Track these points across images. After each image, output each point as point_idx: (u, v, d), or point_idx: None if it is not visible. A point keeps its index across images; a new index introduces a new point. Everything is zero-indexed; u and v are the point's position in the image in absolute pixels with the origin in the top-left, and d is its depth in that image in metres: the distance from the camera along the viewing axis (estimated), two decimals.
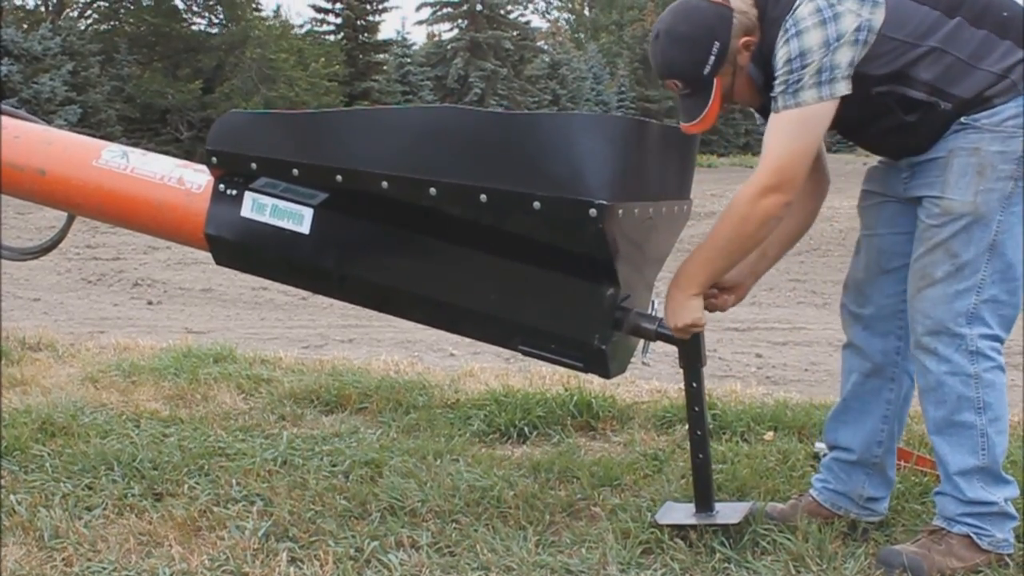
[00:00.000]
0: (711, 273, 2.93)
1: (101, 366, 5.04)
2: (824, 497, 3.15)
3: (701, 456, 3.04)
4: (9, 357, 5.21)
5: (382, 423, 4.16)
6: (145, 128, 32.63)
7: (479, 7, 44.39)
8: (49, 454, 3.63)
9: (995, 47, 2.80)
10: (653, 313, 3.08)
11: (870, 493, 3.12)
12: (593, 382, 4.47)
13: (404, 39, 41.44)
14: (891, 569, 2.80)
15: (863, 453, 3.13)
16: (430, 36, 48.22)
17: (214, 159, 3.08)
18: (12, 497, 3.19)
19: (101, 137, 3.46)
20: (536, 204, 2.70)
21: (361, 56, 39.08)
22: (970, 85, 2.78)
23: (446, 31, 46.58)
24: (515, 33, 45.31)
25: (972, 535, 2.86)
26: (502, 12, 45.85)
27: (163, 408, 4.33)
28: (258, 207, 3.06)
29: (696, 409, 3.02)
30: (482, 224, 2.82)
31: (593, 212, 2.65)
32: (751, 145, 62.83)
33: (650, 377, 4.87)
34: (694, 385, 3.01)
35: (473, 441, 3.95)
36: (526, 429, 4.05)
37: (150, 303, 8.57)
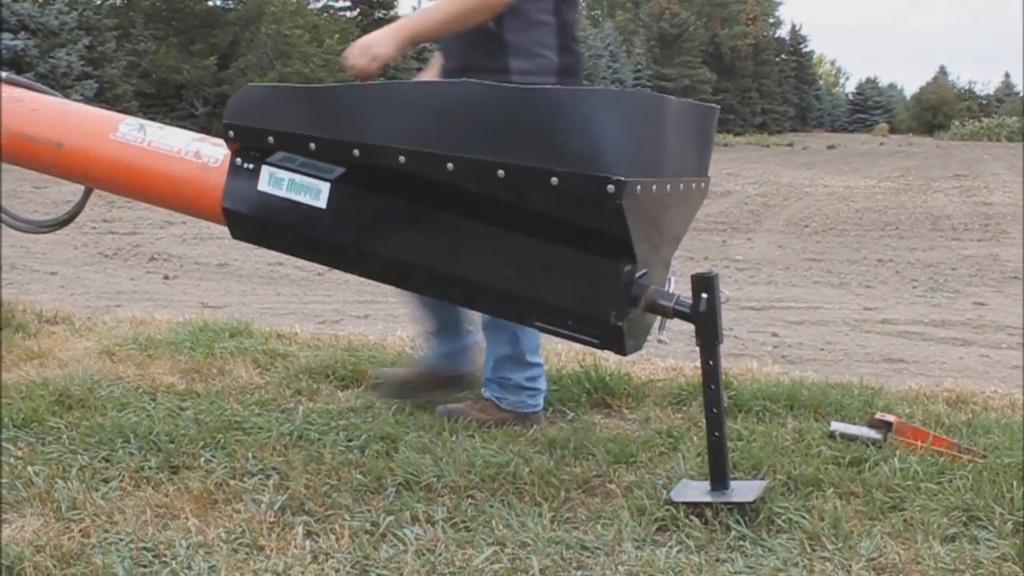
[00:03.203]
0: (420, 35, 3.49)
1: (117, 340, 5.05)
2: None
3: (717, 434, 3.03)
4: (26, 330, 5.23)
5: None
6: (161, 103, 32.70)
7: None
8: (66, 426, 3.64)
9: None
10: (670, 290, 3.07)
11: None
12: (608, 359, 4.47)
13: None
14: (450, 415, 3.85)
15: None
16: None
17: (231, 133, 3.07)
18: (30, 468, 3.20)
19: (117, 112, 3.46)
20: (554, 180, 2.69)
21: None
22: None
23: None
24: None
25: (495, 399, 3.88)
26: None
27: (179, 382, 4.34)
28: (275, 181, 3.06)
29: (712, 387, 3.02)
30: (499, 199, 2.81)
31: (611, 188, 2.65)
32: (767, 124, 62.80)
33: (665, 355, 4.86)
34: (710, 363, 3.01)
35: None
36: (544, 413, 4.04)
37: (166, 277, 8.59)
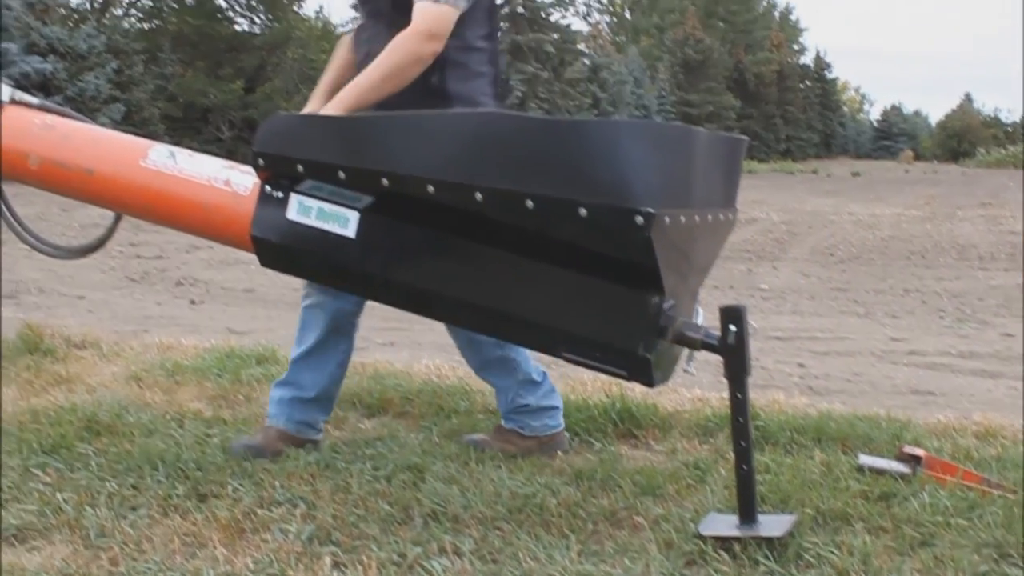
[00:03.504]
0: (360, 103, 3.45)
1: (145, 365, 5.08)
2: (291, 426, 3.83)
3: (745, 467, 3.02)
4: (55, 355, 5.26)
5: (424, 428, 4.17)
6: (187, 127, 32.91)
7: (520, 10, 44.41)
8: (95, 453, 3.66)
9: None
10: (698, 322, 3.07)
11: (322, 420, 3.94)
12: (635, 389, 4.45)
13: None
14: (475, 445, 3.86)
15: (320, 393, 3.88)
16: None
17: (260, 161, 3.08)
18: (59, 495, 3.22)
19: (144, 135, 3.49)
20: (582, 211, 2.68)
21: None
22: None
23: None
24: (556, 36, 45.31)
25: (518, 428, 3.91)
26: (543, 15, 45.85)
27: (206, 408, 4.35)
28: (304, 209, 3.07)
29: (740, 420, 3.00)
30: (528, 230, 2.81)
31: (639, 220, 2.64)
32: (792, 151, 62.70)
33: (692, 385, 4.84)
34: (739, 396, 2.99)
35: None
36: (568, 436, 4.03)
37: (192, 302, 8.63)
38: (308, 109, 3.80)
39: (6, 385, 4.64)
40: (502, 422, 3.96)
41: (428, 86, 3.54)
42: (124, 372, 4.97)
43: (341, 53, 3.93)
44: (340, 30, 36.97)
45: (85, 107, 26.19)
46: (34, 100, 3.65)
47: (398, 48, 3.44)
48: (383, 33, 3.56)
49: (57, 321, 6.62)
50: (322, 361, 3.87)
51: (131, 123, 28.53)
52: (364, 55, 3.66)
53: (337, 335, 3.87)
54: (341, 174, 2.96)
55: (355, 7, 3.90)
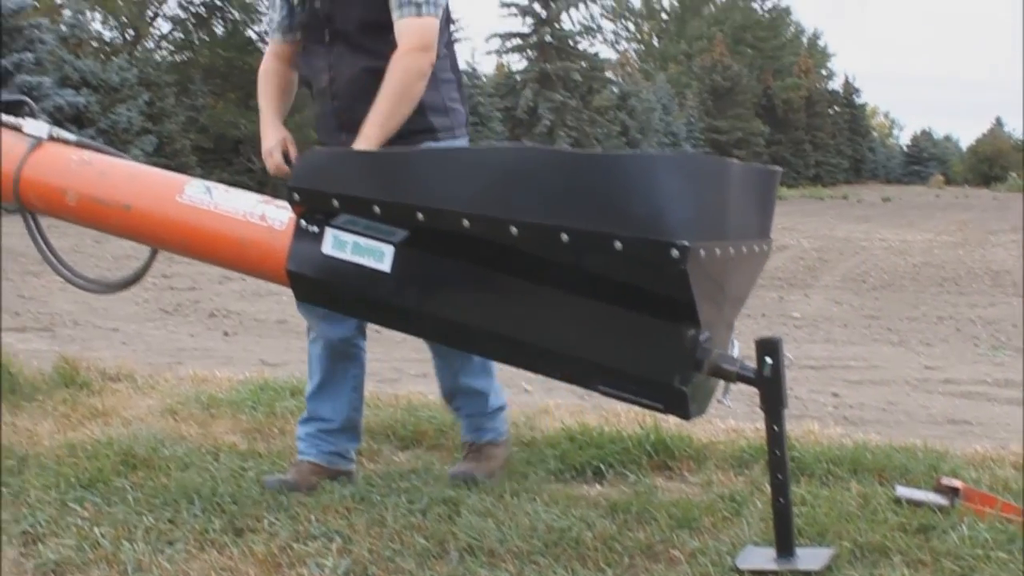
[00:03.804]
0: (386, 133, 3.49)
1: (179, 398, 5.10)
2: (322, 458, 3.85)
3: (782, 500, 3.00)
4: (90, 388, 5.30)
5: (458, 460, 4.16)
6: (218, 158, 33.06)
7: (548, 38, 44.56)
8: (131, 486, 3.67)
9: None
10: (733, 354, 3.06)
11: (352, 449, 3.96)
12: (669, 420, 4.42)
13: (474, 70, 41.69)
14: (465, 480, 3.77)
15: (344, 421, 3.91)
16: (499, 67, 48.52)
17: (296, 196, 3.10)
18: (96, 529, 3.23)
19: (176, 166, 3.53)
20: (617, 244, 2.69)
21: None
22: None
23: (515, 62, 46.91)
24: (584, 64, 45.42)
25: (493, 440, 3.98)
26: (571, 43, 45.98)
27: (241, 441, 4.37)
28: (339, 244, 3.09)
29: (777, 452, 2.99)
30: (562, 263, 2.81)
31: (675, 253, 2.64)
32: (821, 176, 62.49)
33: (726, 416, 4.81)
34: (775, 428, 2.98)
35: (549, 480, 3.94)
36: (602, 468, 4.03)
37: (226, 334, 8.67)
38: (270, 143, 3.84)
39: (43, 419, 4.68)
40: (477, 436, 4.01)
41: None
42: (159, 405, 5.00)
43: (275, 81, 3.95)
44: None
45: (117, 139, 26.38)
46: (71, 137, 3.70)
47: (400, 69, 3.52)
48: (347, 55, 3.66)
49: (92, 354, 6.67)
50: (336, 390, 3.93)
51: (163, 155, 28.72)
52: (328, 80, 3.73)
53: (344, 361, 3.93)
54: (376, 208, 2.98)
55: (284, 32, 3.89)
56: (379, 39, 3.60)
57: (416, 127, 3.62)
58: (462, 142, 3.82)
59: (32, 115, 3.76)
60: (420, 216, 2.91)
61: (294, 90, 4.01)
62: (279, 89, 3.95)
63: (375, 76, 3.57)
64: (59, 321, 8.80)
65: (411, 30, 3.55)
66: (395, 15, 3.57)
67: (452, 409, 4.12)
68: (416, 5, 3.55)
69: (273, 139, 3.82)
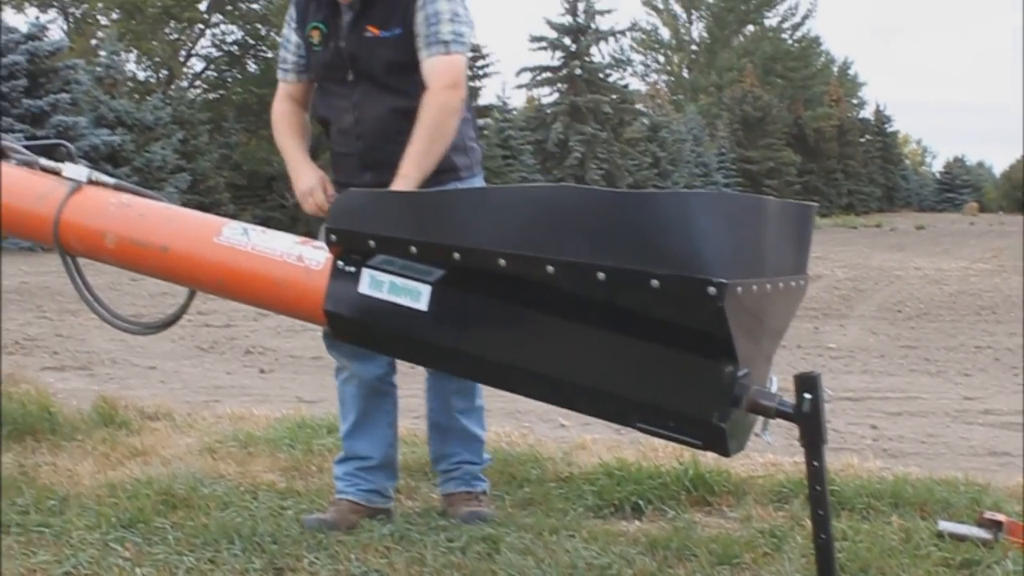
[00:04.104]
0: (424, 173, 3.56)
1: (218, 436, 5.13)
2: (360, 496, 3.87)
3: (823, 536, 2.97)
4: (129, 427, 5.34)
5: (496, 496, 4.16)
6: (251, 195, 33.31)
7: (578, 71, 44.73)
8: (171, 526, 3.70)
9: None
10: (772, 389, 3.04)
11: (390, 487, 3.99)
12: (707, 455, 4.41)
13: (504, 104, 41.86)
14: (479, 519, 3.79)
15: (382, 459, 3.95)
16: (530, 100, 48.70)
17: (333, 237, 3.12)
18: (138, 570, 3.25)
19: (209, 203, 3.58)
20: (654, 282, 2.68)
21: None
22: None
23: (546, 95, 47.07)
24: (614, 96, 45.59)
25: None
26: (601, 76, 46.13)
27: (279, 480, 4.39)
28: (376, 284, 3.09)
29: (818, 488, 2.97)
30: (599, 301, 2.81)
31: (712, 290, 2.63)
32: (854, 205, 62.28)
33: (764, 450, 4.79)
34: (815, 464, 2.95)
35: (587, 516, 3.94)
36: (641, 503, 4.02)
37: (262, 371, 8.71)
38: (309, 183, 3.85)
39: (84, 458, 4.71)
40: (475, 486, 4.03)
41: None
42: (198, 443, 5.03)
43: (294, 122, 4.00)
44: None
45: (152, 177, 26.65)
46: (110, 180, 3.73)
47: (434, 106, 3.59)
48: (373, 95, 3.71)
49: (130, 392, 6.72)
50: (372, 428, 3.95)
51: (196, 192, 28.98)
52: (353, 120, 3.77)
53: (378, 399, 3.97)
54: (413, 248, 2.99)
55: (299, 72, 3.95)
56: (406, 79, 3.66)
57: (441, 167, 3.67)
58: (479, 180, 3.92)
59: (70, 158, 3.81)
60: (456, 256, 2.92)
61: (310, 130, 4.05)
62: (300, 129, 4.00)
63: (402, 116, 3.62)
64: (97, 360, 8.86)
65: (442, 68, 3.60)
66: (423, 54, 3.63)
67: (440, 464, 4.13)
68: (444, 43, 3.61)
69: (312, 179, 3.84)
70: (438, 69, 3.61)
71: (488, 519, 3.81)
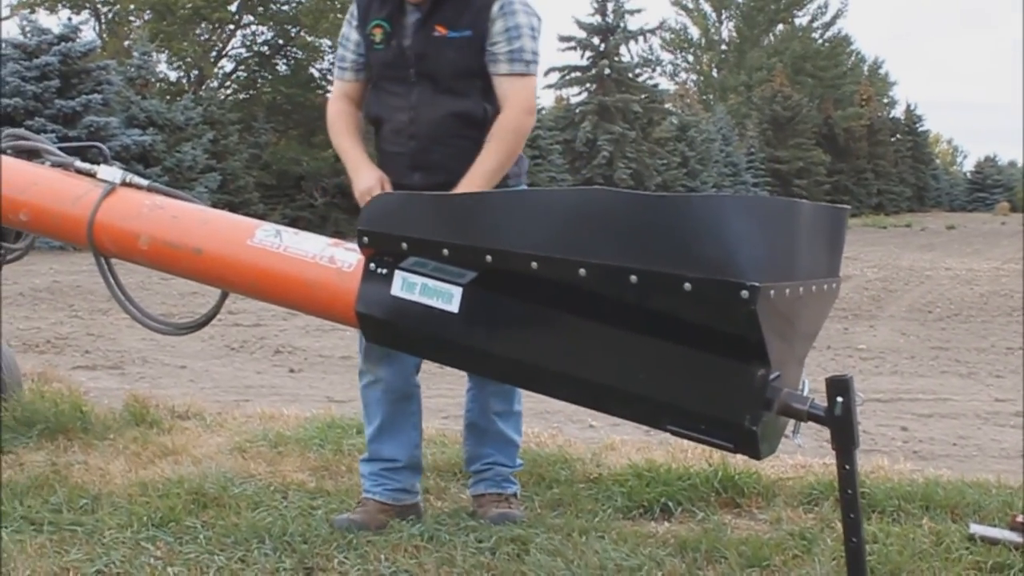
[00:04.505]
0: (492, 187, 3.60)
1: (248, 435, 5.15)
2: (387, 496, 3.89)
3: (855, 540, 2.96)
4: (160, 426, 5.37)
5: (525, 497, 4.17)
6: (281, 194, 33.39)
7: (607, 71, 44.66)
8: (202, 526, 3.72)
9: None
10: (804, 392, 3.04)
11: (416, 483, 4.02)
12: (736, 457, 4.40)
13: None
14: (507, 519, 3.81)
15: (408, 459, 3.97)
16: (558, 100, 48.63)
17: (365, 239, 3.13)
18: (169, 569, 3.27)
19: (239, 203, 3.61)
20: (687, 285, 2.69)
21: None
22: None
23: (574, 95, 46.99)
24: (643, 96, 45.47)
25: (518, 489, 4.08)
26: (630, 75, 46.05)
27: (309, 479, 4.40)
28: (408, 286, 3.11)
29: (849, 492, 2.96)
30: (631, 304, 2.82)
31: (745, 294, 2.63)
32: (884, 205, 61.94)
33: (794, 452, 4.78)
34: (847, 467, 2.95)
35: (617, 517, 3.94)
36: (670, 505, 4.02)
37: (292, 371, 8.74)
38: (369, 182, 3.80)
39: (115, 457, 4.74)
40: (506, 488, 4.05)
41: (476, 144, 3.70)
42: (228, 443, 5.05)
43: (351, 121, 3.99)
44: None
45: (182, 176, 26.76)
46: (143, 182, 3.76)
47: (511, 131, 3.66)
48: (432, 97, 3.73)
49: (161, 391, 6.75)
50: (398, 431, 3.96)
51: (226, 191, 29.08)
52: (408, 120, 3.78)
53: (404, 401, 3.98)
54: (445, 251, 3.00)
55: (356, 70, 3.95)
56: (467, 82, 3.69)
57: None
58: (524, 187, 3.94)
59: (104, 160, 3.84)
60: (488, 258, 2.93)
61: (362, 129, 4.04)
62: (356, 128, 3.99)
63: (459, 120, 3.64)
64: (128, 359, 8.92)
65: (523, 90, 3.67)
66: (503, 67, 3.66)
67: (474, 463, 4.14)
68: (526, 63, 3.66)
69: (371, 178, 3.82)
70: (519, 91, 3.66)
71: (518, 520, 3.82)
